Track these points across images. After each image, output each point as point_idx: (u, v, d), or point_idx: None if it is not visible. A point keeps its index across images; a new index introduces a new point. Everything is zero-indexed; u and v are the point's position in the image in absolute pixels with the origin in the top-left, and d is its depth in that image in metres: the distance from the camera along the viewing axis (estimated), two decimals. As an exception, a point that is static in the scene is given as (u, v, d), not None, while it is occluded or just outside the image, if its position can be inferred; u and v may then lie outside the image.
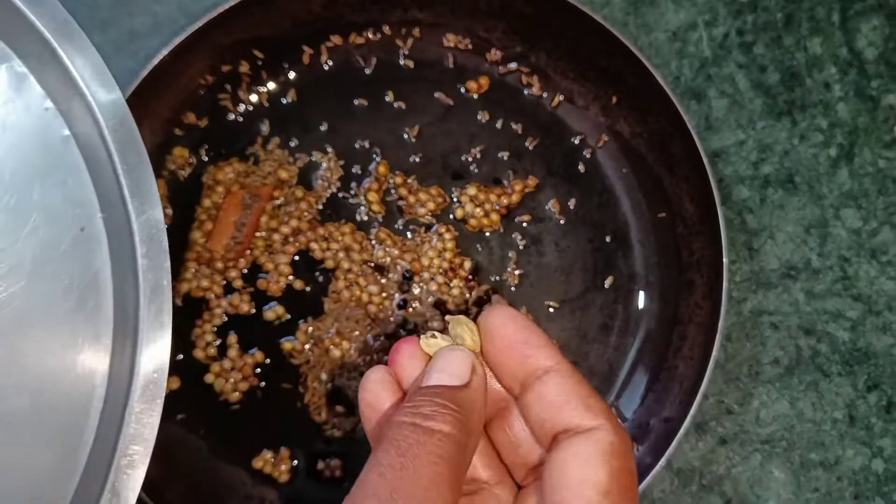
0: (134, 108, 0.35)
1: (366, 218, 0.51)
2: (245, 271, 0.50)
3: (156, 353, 0.32)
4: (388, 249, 0.50)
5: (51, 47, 0.33)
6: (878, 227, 0.52)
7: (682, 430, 0.44)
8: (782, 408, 0.51)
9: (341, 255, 0.50)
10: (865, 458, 0.50)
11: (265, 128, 0.51)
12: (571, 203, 0.51)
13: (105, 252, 0.35)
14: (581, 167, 0.51)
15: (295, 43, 0.51)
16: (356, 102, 0.52)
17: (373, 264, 0.50)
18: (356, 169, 0.51)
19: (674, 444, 0.44)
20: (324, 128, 0.51)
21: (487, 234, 0.51)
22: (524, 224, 0.51)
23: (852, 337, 0.51)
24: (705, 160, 0.46)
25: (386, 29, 0.52)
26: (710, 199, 0.47)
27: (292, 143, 0.51)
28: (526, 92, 0.52)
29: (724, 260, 0.46)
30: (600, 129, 0.51)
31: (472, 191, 0.51)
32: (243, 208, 0.49)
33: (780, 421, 0.51)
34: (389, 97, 0.52)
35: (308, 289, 0.50)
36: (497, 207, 0.51)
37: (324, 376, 0.49)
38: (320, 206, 0.51)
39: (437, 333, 0.28)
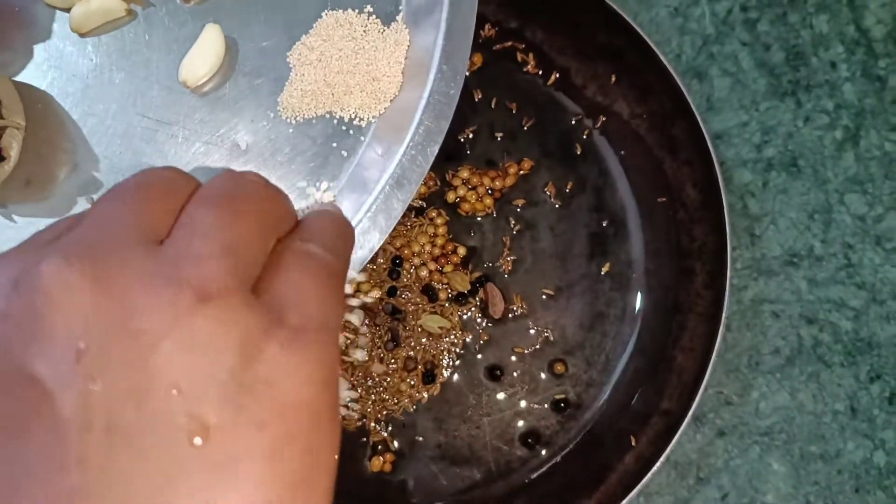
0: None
1: (353, 201, 0.48)
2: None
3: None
4: (376, 234, 0.48)
5: None
6: (883, 212, 0.51)
7: (683, 425, 0.42)
8: (782, 399, 0.49)
9: (327, 239, 0.48)
10: (867, 450, 0.49)
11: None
12: (567, 186, 0.49)
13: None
14: (578, 149, 0.49)
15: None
16: (343, 79, 0.49)
17: (360, 249, 0.48)
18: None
19: (675, 439, 0.42)
20: (309, 106, 0.49)
21: (480, 218, 0.49)
22: (518, 208, 0.49)
23: (855, 326, 0.50)
24: (709, 142, 0.44)
25: (375, 2, 0.49)
26: (712, 183, 0.45)
27: (276, 122, 0.49)
28: (521, 70, 0.50)
29: (728, 248, 0.44)
30: (598, 109, 0.49)
31: (464, 173, 0.48)
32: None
33: (779, 413, 0.49)
34: (378, 74, 0.49)
35: (293, 275, 0.48)
36: (490, 191, 0.49)
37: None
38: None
39: None
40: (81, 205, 0.33)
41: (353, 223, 0.32)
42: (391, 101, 0.33)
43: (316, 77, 0.32)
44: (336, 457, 0.21)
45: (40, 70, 0.33)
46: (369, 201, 0.32)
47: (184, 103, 0.33)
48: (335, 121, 0.33)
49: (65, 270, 0.19)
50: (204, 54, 0.32)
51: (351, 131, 0.33)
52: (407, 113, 0.32)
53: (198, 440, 0.18)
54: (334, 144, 0.33)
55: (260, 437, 0.19)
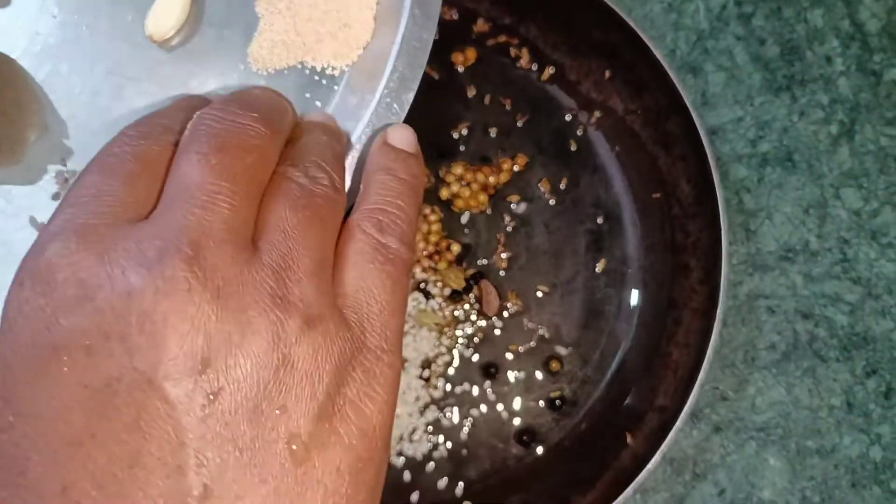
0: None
1: (347, 199, 0.48)
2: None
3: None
4: (370, 232, 0.48)
5: None
6: (878, 207, 0.50)
7: (678, 422, 0.42)
8: (778, 394, 0.49)
9: (321, 237, 0.47)
10: (863, 445, 0.49)
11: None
12: (562, 183, 0.49)
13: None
14: (572, 145, 0.49)
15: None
16: (336, 76, 0.49)
17: (354, 247, 0.48)
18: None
19: (671, 435, 0.42)
20: (302, 103, 0.49)
21: (474, 215, 0.49)
22: (513, 204, 0.49)
23: (851, 321, 0.50)
24: (704, 138, 0.44)
25: (367, -2, 0.49)
26: (707, 178, 0.45)
27: (269, 120, 0.48)
28: (515, 65, 0.49)
29: (724, 244, 0.44)
30: (593, 105, 0.49)
31: (458, 170, 0.48)
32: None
33: (775, 408, 0.49)
34: (371, 71, 0.49)
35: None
36: (485, 187, 0.48)
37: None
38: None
39: None
40: (52, 170, 0.32)
41: None
42: (363, 48, 0.32)
43: (285, 26, 0.32)
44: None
45: (1, 29, 0.32)
46: (348, 160, 0.32)
47: (151, 58, 0.32)
48: (307, 71, 0.32)
49: (182, 282, 0.20)
50: (169, 7, 0.31)
51: (324, 81, 0.33)
52: (380, 60, 0.31)
53: (298, 456, 0.20)
54: (307, 95, 0.33)
55: (347, 457, 0.21)
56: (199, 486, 0.19)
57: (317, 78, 0.33)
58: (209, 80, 0.33)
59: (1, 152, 0.33)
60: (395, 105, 0.31)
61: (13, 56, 0.33)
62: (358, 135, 0.31)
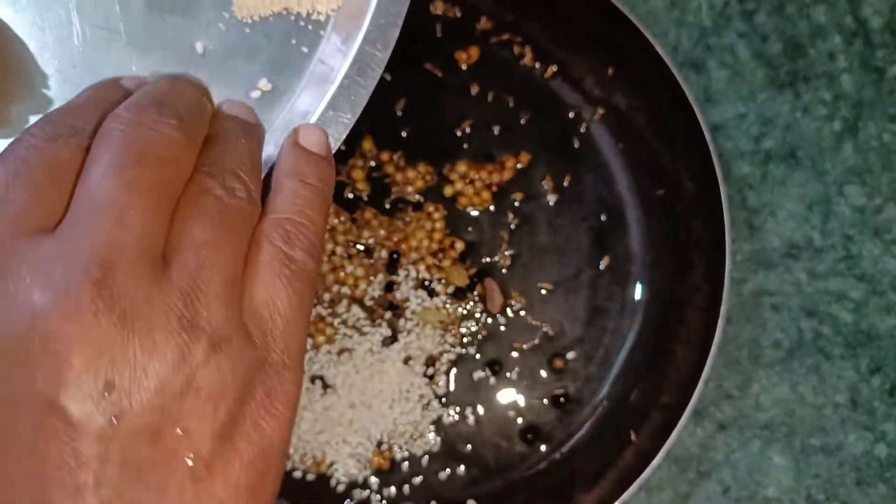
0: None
1: (350, 197, 0.48)
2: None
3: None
4: (373, 230, 0.48)
5: None
6: (882, 203, 0.50)
7: (683, 419, 0.42)
8: (783, 392, 0.49)
9: (325, 235, 0.47)
10: (868, 442, 0.49)
11: (242, 101, 0.48)
12: (565, 180, 0.49)
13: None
14: (575, 142, 0.49)
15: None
16: (339, 74, 0.49)
17: (358, 245, 0.48)
18: (340, 145, 0.48)
19: (675, 433, 0.42)
20: (304, 101, 0.49)
21: (478, 212, 0.48)
22: (516, 202, 0.49)
23: (855, 318, 0.50)
24: (707, 134, 0.44)
25: (370, -4, 0.49)
26: (710, 175, 0.45)
27: (271, 118, 0.48)
28: (518, 63, 0.49)
29: (728, 241, 0.44)
30: (595, 102, 0.49)
31: (461, 168, 0.48)
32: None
33: (780, 405, 0.49)
34: (374, 68, 0.49)
35: (289, 271, 0.47)
36: (488, 185, 0.48)
37: (305, 361, 0.47)
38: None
39: None
40: None
41: (317, 114, 0.32)
42: None
43: None
44: None
45: None
46: (332, 90, 0.32)
47: (136, 9, 0.32)
48: (292, 17, 0.33)
49: (89, 305, 0.20)
50: None
51: (310, 26, 0.33)
52: (364, 1, 0.31)
53: (198, 476, 0.21)
54: (293, 41, 0.33)
55: (247, 474, 0.21)
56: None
57: (302, 24, 0.33)
58: (194, 30, 0.33)
59: None
60: (379, 44, 0.32)
61: None
62: (344, 75, 0.31)
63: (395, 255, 0.47)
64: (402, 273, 0.47)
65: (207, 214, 0.23)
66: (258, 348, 0.22)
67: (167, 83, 0.27)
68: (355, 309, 0.47)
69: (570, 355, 0.48)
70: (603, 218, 0.49)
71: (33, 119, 0.33)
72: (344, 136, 0.32)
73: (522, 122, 0.49)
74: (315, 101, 0.32)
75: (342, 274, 0.47)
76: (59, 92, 0.33)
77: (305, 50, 0.33)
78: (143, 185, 0.22)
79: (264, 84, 0.33)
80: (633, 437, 0.45)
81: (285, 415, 0.22)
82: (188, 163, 0.23)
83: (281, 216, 0.24)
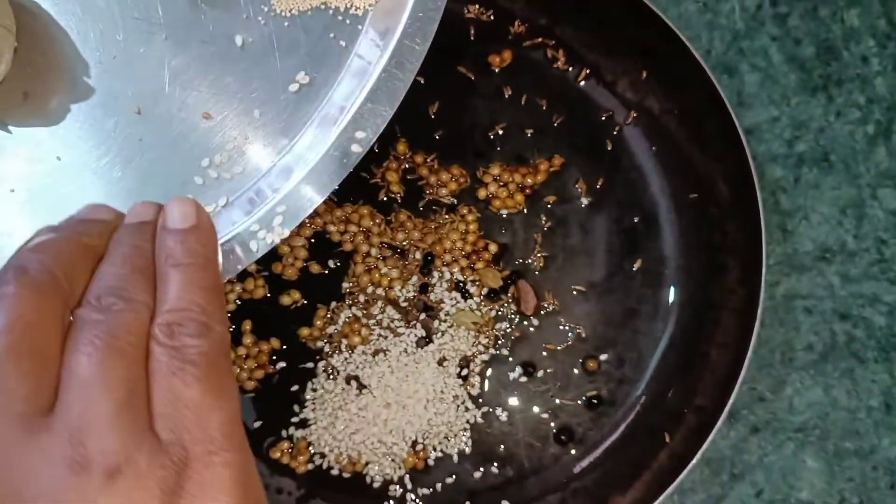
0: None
1: (385, 199, 0.48)
2: (259, 254, 0.48)
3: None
4: (408, 231, 0.48)
5: None
6: (916, 207, 0.50)
7: (719, 423, 0.42)
8: (816, 395, 0.49)
9: (360, 237, 0.48)
10: (902, 446, 0.49)
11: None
12: (598, 183, 0.49)
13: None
14: (608, 145, 0.49)
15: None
16: (373, 77, 0.49)
17: (392, 247, 0.48)
18: (374, 147, 0.49)
19: (711, 436, 0.42)
20: (340, 104, 0.49)
21: (511, 215, 0.49)
22: (549, 205, 0.49)
23: (889, 322, 0.49)
24: (743, 137, 0.44)
25: None
26: (745, 178, 0.45)
27: (307, 120, 0.49)
28: (551, 66, 0.50)
29: (763, 244, 0.44)
30: (628, 105, 0.49)
31: (495, 170, 0.48)
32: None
33: (813, 409, 0.49)
34: (408, 72, 0.49)
35: (325, 272, 0.48)
36: (521, 187, 0.49)
37: (341, 362, 0.47)
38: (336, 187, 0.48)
39: None
40: (77, 116, 0.33)
41: (356, 107, 0.32)
42: None
43: None
44: None
45: None
46: (370, 84, 0.32)
47: (177, 3, 0.33)
48: (331, 11, 0.33)
49: None
50: None
51: (348, 21, 0.33)
52: None
53: None
54: (332, 35, 0.33)
55: None
56: None
57: (340, 18, 0.33)
58: (235, 24, 0.33)
59: (29, 102, 0.33)
60: (418, 38, 0.32)
61: (39, 2, 0.33)
62: (382, 69, 0.31)
63: (429, 257, 0.48)
64: (436, 275, 0.48)
65: (85, 346, 0.22)
66: (172, 451, 0.22)
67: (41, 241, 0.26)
68: (390, 310, 0.47)
69: (604, 357, 0.48)
70: (636, 220, 0.49)
71: (74, 110, 0.33)
72: (382, 129, 0.32)
73: (555, 124, 0.49)
74: (352, 95, 0.33)
75: (377, 275, 0.47)
76: (100, 83, 0.33)
77: (343, 44, 0.34)
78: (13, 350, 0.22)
79: (302, 77, 0.34)
80: (667, 439, 0.45)
81: (229, 499, 0.22)
82: (57, 314, 0.23)
83: (164, 309, 0.24)
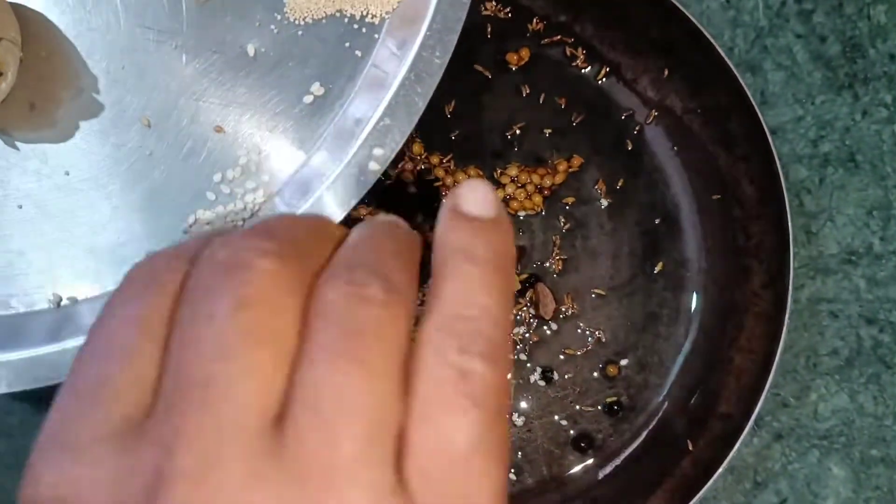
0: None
1: (400, 201, 0.47)
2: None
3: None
4: (424, 233, 0.47)
5: None
6: (945, 209, 0.49)
7: (746, 430, 0.41)
8: (842, 401, 0.48)
9: (374, 239, 0.47)
10: (931, 454, 0.48)
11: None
12: (618, 183, 0.48)
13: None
14: (629, 145, 0.48)
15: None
16: (389, 76, 0.48)
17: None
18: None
19: (737, 444, 0.41)
20: (354, 103, 0.48)
21: (529, 216, 0.48)
22: (568, 206, 0.48)
23: (917, 326, 0.48)
24: (769, 137, 0.43)
25: (420, -4, 0.48)
26: (772, 179, 0.44)
27: (321, 120, 0.48)
28: (570, 64, 0.48)
29: (791, 247, 0.43)
30: (650, 104, 0.48)
31: (513, 171, 0.47)
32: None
33: (839, 415, 0.48)
34: (424, 70, 0.48)
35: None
36: (539, 188, 0.48)
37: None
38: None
39: None
40: (84, 129, 0.32)
41: (373, 123, 0.30)
42: None
43: None
44: None
45: None
46: (388, 98, 0.31)
47: (187, 11, 0.32)
48: (346, 19, 0.32)
49: None
50: None
51: (364, 29, 0.32)
52: (421, 4, 0.31)
53: None
54: (347, 44, 0.32)
55: None
56: None
57: (356, 27, 0.32)
58: (245, 32, 0.32)
59: (36, 113, 0.32)
60: (437, 49, 0.31)
61: (45, 12, 0.32)
62: (400, 82, 0.30)
63: (445, 260, 0.47)
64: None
65: (326, 346, 0.16)
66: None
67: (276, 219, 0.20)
68: (405, 314, 0.47)
69: (624, 362, 0.47)
70: (657, 222, 0.48)
71: (82, 123, 0.32)
72: (400, 147, 0.31)
73: (574, 124, 0.48)
74: (370, 108, 0.31)
75: (392, 278, 0.46)
76: (108, 94, 0.32)
77: (359, 54, 0.32)
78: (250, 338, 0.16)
79: (317, 88, 0.32)
80: (689, 446, 0.44)
81: None
82: (299, 294, 0.17)
83: (447, 312, 0.18)
